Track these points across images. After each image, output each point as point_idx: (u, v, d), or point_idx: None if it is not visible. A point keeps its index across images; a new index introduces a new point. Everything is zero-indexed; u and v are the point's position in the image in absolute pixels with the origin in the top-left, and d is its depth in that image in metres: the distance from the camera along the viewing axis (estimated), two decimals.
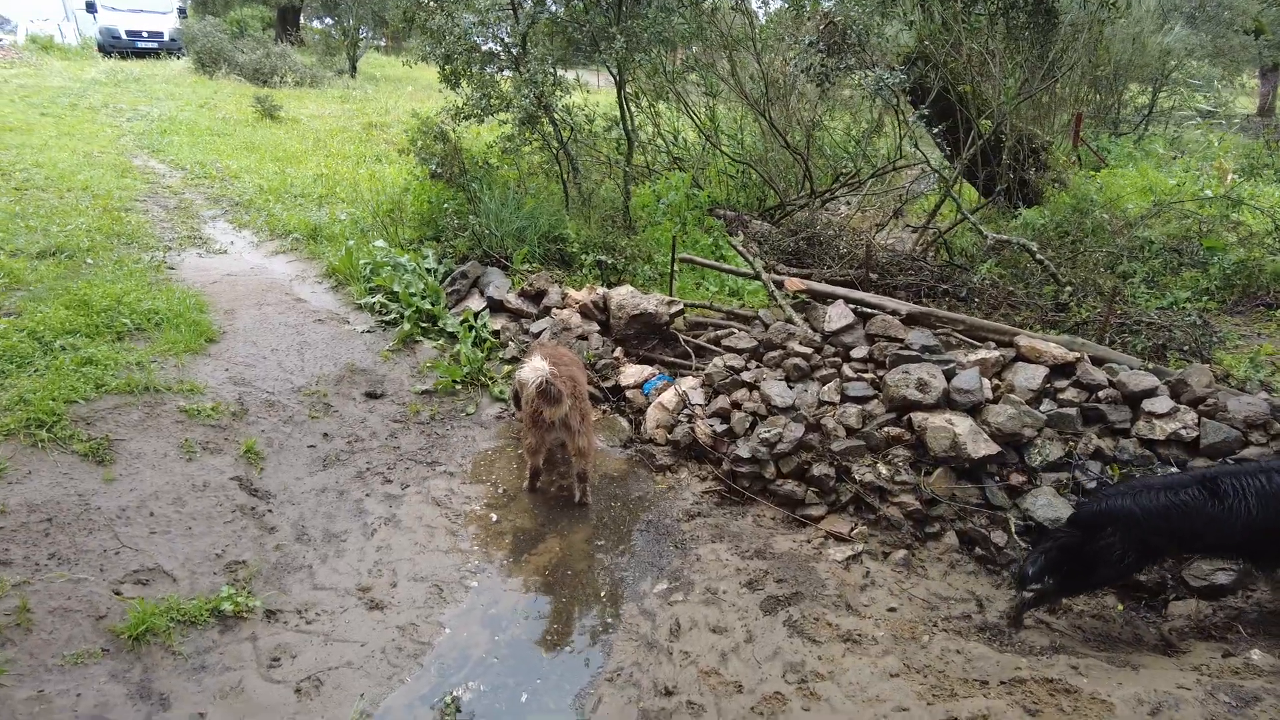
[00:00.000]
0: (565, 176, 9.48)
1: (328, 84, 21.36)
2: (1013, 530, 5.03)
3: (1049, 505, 5.03)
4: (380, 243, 8.31)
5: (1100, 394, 5.40)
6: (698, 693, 4.00)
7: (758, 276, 7.03)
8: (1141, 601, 4.74)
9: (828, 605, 4.54)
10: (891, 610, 4.55)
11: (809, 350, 6.20)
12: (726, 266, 7.52)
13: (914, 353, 5.72)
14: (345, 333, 7.61)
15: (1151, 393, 5.32)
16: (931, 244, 10.91)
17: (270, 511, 5.35)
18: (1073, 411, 5.36)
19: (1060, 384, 5.56)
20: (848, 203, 13.98)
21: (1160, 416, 5.19)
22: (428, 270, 8.18)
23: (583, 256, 8.53)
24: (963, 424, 5.29)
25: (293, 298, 8.26)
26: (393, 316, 7.76)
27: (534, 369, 5.02)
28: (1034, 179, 11.52)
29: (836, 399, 5.85)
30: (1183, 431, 5.09)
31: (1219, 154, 13.43)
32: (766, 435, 5.67)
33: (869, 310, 6.41)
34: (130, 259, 8.41)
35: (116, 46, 23.08)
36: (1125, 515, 4.19)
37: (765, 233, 12.11)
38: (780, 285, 6.89)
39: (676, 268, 7.65)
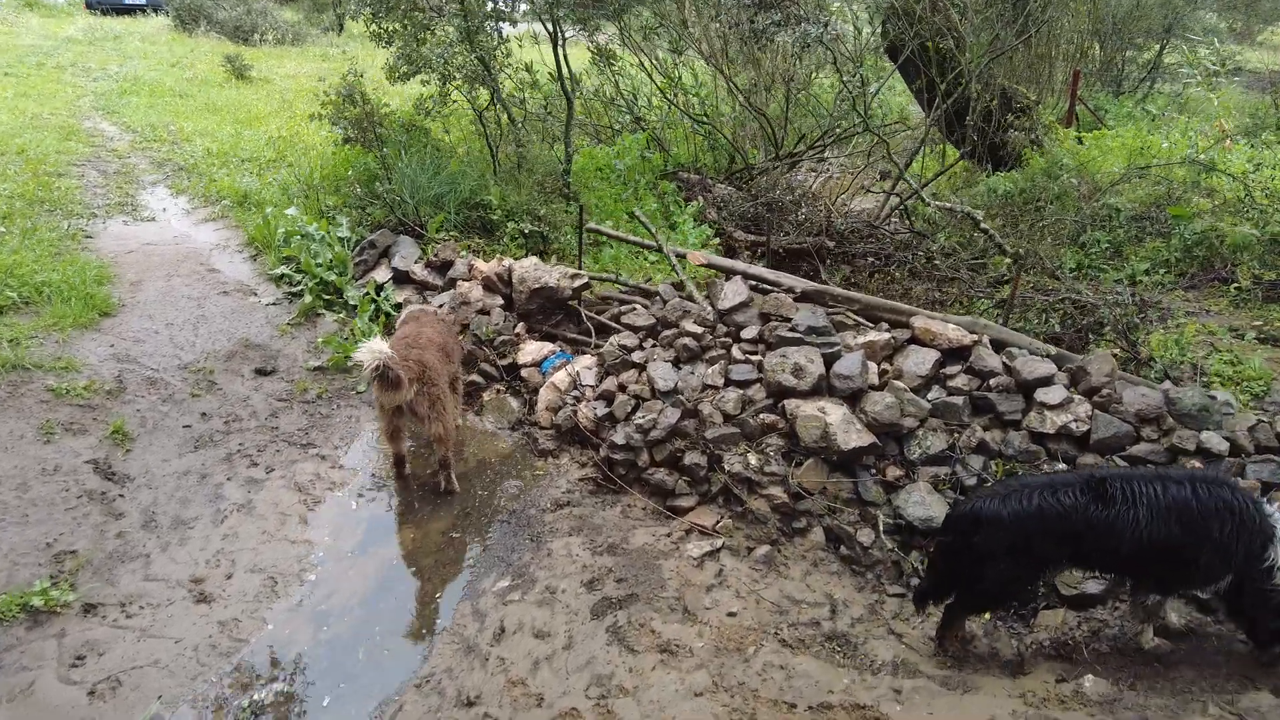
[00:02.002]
0: (491, 139, 9.08)
1: (311, 42, 20.97)
2: (881, 529, 4.72)
3: (921, 503, 4.69)
4: (292, 210, 8.05)
5: (992, 382, 5.01)
6: (498, 705, 3.78)
7: (660, 249, 6.64)
8: (1011, 610, 4.42)
9: (661, 609, 4.28)
10: (731, 615, 4.28)
11: (700, 329, 5.85)
12: (632, 238, 7.15)
13: (798, 334, 5.36)
14: (249, 305, 7.40)
15: (1047, 381, 4.92)
16: (894, 210, 10.41)
17: (122, 497, 5.19)
18: (959, 400, 4.99)
19: (952, 370, 5.18)
20: (839, 165, 13.42)
21: (1052, 408, 4.80)
22: (340, 239, 7.91)
23: (506, 225, 8.20)
24: (835, 413, 4.94)
25: (206, 268, 8.06)
26: (299, 288, 7.52)
27: (370, 351, 4.73)
28: (1012, 140, 10.89)
29: (720, 382, 5.51)
30: (1073, 425, 4.71)
31: (1219, 114, 12.61)
32: (641, 421, 5.37)
33: (767, 287, 6.04)
34: (46, 227, 8.25)
35: (105, 3, 22.83)
36: (991, 519, 3.76)
37: (726, 197, 11.66)
38: (683, 258, 6.52)
39: (589, 239, 7.29)
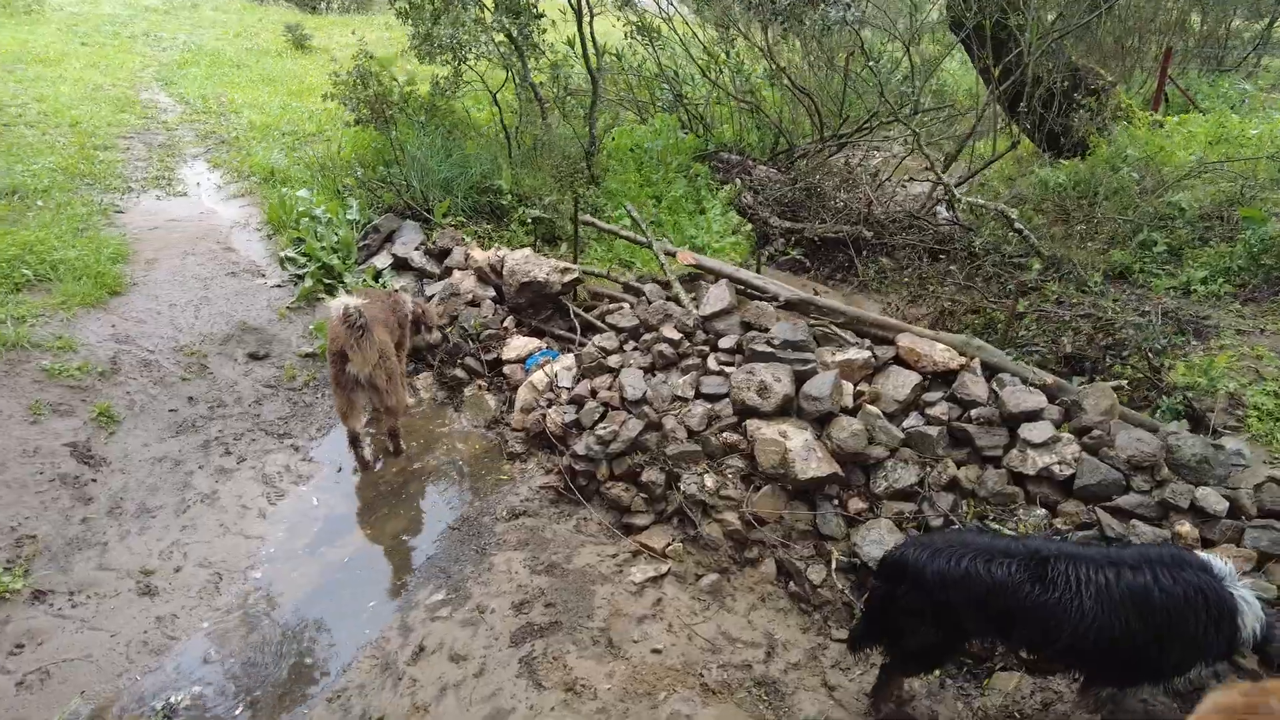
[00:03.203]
0: (506, 120, 8.87)
1: (377, 9, 21.10)
2: (833, 566, 4.40)
3: (880, 542, 4.34)
4: (304, 192, 8.06)
5: (974, 412, 4.59)
6: None
7: (649, 245, 6.35)
8: (964, 668, 4.06)
9: (581, 640, 4.10)
10: (656, 652, 4.06)
11: (678, 336, 5.58)
12: (625, 233, 6.86)
13: (770, 348, 5.02)
14: (253, 287, 7.48)
15: (1034, 415, 4.47)
16: (937, 201, 9.76)
17: (94, 481, 5.32)
18: (935, 431, 4.59)
19: (932, 396, 4.77)
20: (881, 149, 12.71)
21: (1036, 446, 4.35)
22: (350, 222, 7.90)
23: (516, 210, 8.03)
24: (797, 438, 4.62)
25: (223, 247, 8.17)
26: (305, 271, 7.56)
27: (339, 302, 4.78)
28: (1076, 125, 10.02)
29: (691, 394, 5.25)
30: (1056, 467, 4.26)
31: None
32: (602, 432, 5.15)
33: (754, 293, 5.70)
34: (80, 202, 8.51)
35: None
36: (915, 573, 3.40)
37: (765, 180, 11.20)
38: (673, 256, 6.21)
39: (581, 231, 7.05)
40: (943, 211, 9.86)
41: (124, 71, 13.70)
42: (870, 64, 8.34)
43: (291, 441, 5.92)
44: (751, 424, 4.78)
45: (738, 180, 11.01)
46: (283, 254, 7.79)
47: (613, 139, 10.45)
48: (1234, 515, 3.91)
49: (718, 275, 5.89)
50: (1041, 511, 4.24)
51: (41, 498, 5.08)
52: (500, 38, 8.76)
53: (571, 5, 8.65)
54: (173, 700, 3.99)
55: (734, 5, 10.59)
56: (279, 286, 7.53)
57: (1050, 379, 4.72)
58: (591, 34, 9.07)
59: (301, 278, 7.50)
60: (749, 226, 10.40)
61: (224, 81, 13.68)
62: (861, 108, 11.57)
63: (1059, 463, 4.26)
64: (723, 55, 11.40)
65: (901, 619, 3.51)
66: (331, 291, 7.36)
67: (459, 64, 8.11)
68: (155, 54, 15.20)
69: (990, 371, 4.90)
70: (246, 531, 5.09)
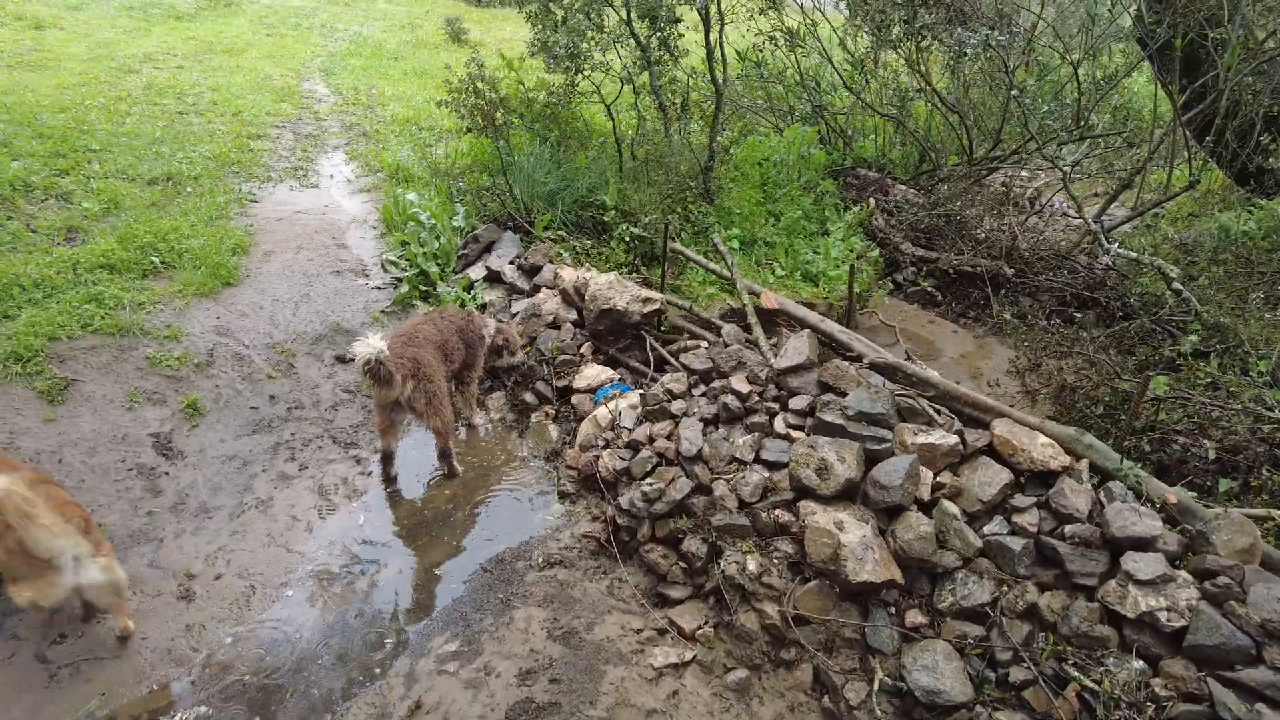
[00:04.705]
0: (618, 133, 8.58)
1: None
2: (875, 687, 3.82)
3: (933, 669, 3.72)
4: (412, 195, 8.14)
5: (1069, 529, 3.84)
6: None
7: (733, 283, 5.87)
8: None
9: None
10: None
11: (748, 389, 5.09)
12: (711, 265, 6.38)
13: (842, 420, 4.45)
14: (354, 288, 7.63)
15: (1144, 544, 3.68)
16: (1093, 242, 8.59)
17: (167, 474, 5.54)
18: (1018, 544, 3.88)
19: (1023, 501, 4.04)
20: (1066, 167, 11.42)
21: (1140, 583, 3.57)
22: (456, 229, 7.90)
23: (620, 227, 7.75)
24: (854, 532, 4.05)
25: (337, 243, 8.42)
26: (403, 275, 7.63)
27: (366, 345, 4.68)
28: (1274, 166, 8.52)
29: (750, 457, 4.76)
30: (1162, 615, 3.47)
31: None
32: (648, 488, 4.78)
33: (840, 348, 5.11)
34: (222, 190, 9.05)
35: None
36: None
37: (903, 201, 10.35)
38: (757, 296, 5.71)
39: (670, 256, 6.65)
40: (1114, 248, 8.69)
41: (294, 62, 14.59)
42: (1015, 92, 7.32)
43: (356, 452, 5.94)
44: (806, 506, 4.25)
45: (871, 200, 10.23)
46: (385, 257, 7.91)
47: (738, 152, 9.94)
48: None
49: (802, 324, 5.34)
50: (1138, 665, 3.47)
51: (118, 486, 5.34)
52: (626, 48, 8.49)
53: (700, 14, 8.21)
54: (176, 719, 4.02)
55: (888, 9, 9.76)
56: (379, 289, 7.65)
57: (1174, 497, 3.88)
58: (721, 42, 8.60)
59: (400, 282, 7.58)
60: (876, 251, 9.64)
61: (379, 73, 14.28)
62: (1017, 130, 10.43)
63: (1167, 609, 3.47)
64: (869, 64, 10.59)
65: None
66: (426, 299, 7.39)
67: (575, 74, 7.89)
68: (326, 44, 16.12)
69: (1103, 476, 4.11)
70: (290, 545, 5.12)
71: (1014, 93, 7.35)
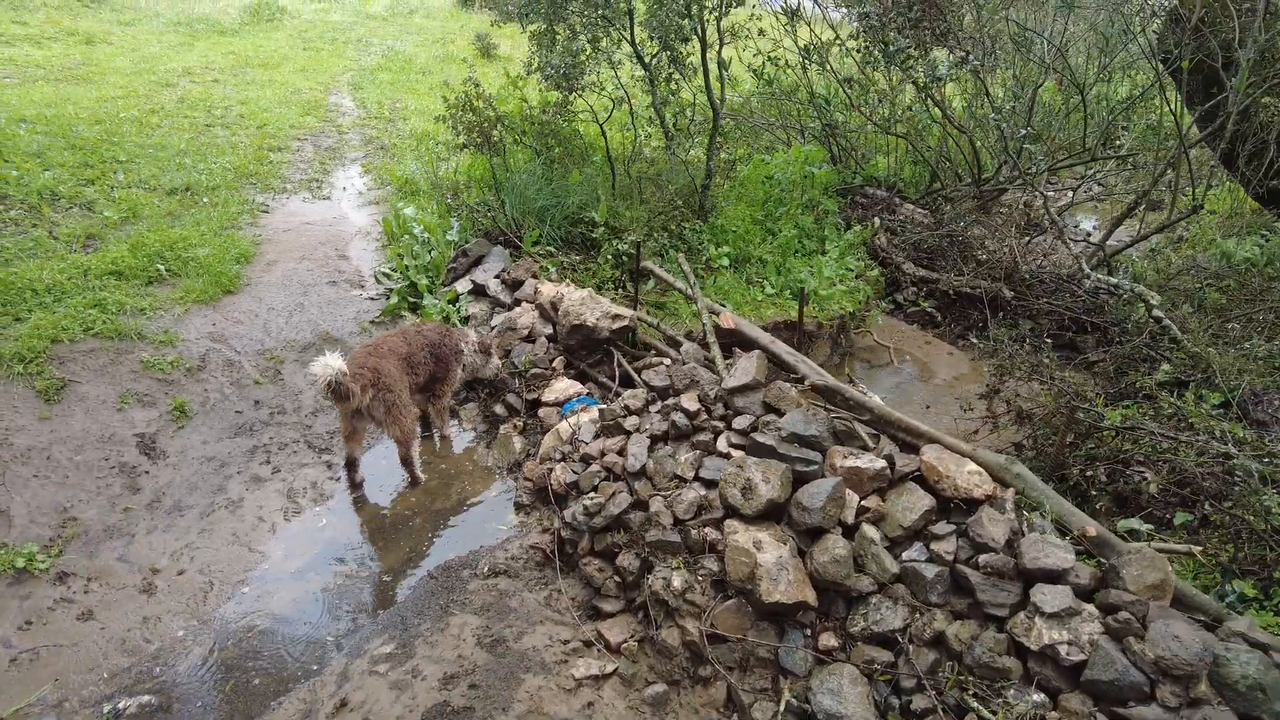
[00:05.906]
0: (610, 151, 8.72)
1: None
2: (781, 708, 3.85)
3: (836, 693, 3.74)
4: (410, 209, 8.39)
5: (983, 558, 3.83)
6: None
7: (693, 301, 5.94)
8: None
9: None
10: None
11: (696, 407, 5.16)
12: (679, 284, 6.46)
13: (772, 441, 4.49)
14: (348, 298, 7.90)
15: (1055, 576, 3.66)
16: (1095, 265, 8.44)
17: (148, 473, 5.81)
18: (931, 571, 3.88)
19: (943, 529, 4.04)
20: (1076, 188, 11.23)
21: (1046, 616, 3.55)
22: (449, 242, 8.12)
23: (608, 243, 7.89)
24: (771, 552, 4.09)
25: (338, 254, 8.72)
26: (394, 287, 7.87)
27: (323, 365, 4.87)
28: None
29: (691, 475, 4.83)
30: (1063, 648, 3.44)
31: None
32: (588, 502, 4.89)
33: (787, 368, 5.16)
34: (237, 201, 9.44)
35: None
36: None
37: (907, 221, 10.31)
38: (715, 315, 5.78)
39: (639, 276, 6.74)
40: (1093, 274, 8.54)
41: (325, 75, 15.09)
42: (994, 118, 7.26)
43: (329, 457, 6.16)
44: (729, 525, 4.31)
45: (876, 219, 10.20)
46: (378, 269, 8.16)
47: (742, 170, 10.01)
48: None
49: (754, 344, 5.39)
50: (1038, 697, 3.44)
51: (100, 482, 5.62)
52: (624, 70, 8.63)
53: (696, 35, 8.33)
54: (120, 706, 4.23)
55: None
56: (372, 299, 7.89)
57: (1094, 529, 3.84)
58: (720, 61, 8.70)
59: (391, 294, 7.81)
60: (876, 271, 9.61)
61: (405, 87, 14.69)
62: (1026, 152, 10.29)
63: (1069, 642, 3.45)
64: (879, 80, 10.57)
65: None
66: (414, 310, 7.60)
67: (568, 93, 8.07)
68: (359, 59, 16.63)
69: (1031, 507, 4.08)
70: (253, 545, 5.34)
71: (993, 117, 7.27)
